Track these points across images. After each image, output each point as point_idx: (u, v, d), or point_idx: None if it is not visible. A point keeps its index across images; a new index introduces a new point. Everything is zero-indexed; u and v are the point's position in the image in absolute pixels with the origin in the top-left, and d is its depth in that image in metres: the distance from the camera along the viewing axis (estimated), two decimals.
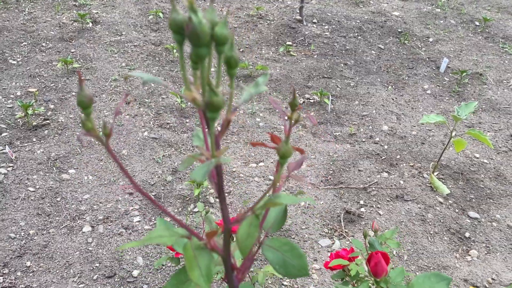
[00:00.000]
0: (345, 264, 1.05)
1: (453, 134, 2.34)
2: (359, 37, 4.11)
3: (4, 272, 1.78)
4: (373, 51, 3.89)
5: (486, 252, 1.99)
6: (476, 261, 1.94)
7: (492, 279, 1.86)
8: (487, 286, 1.84)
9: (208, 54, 0.46)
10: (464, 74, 3.40)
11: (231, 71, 0.50)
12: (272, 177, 2.37)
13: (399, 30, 4.27)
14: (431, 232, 2.07)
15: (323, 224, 2.09)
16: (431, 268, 1.90)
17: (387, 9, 4.76)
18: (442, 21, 4.55)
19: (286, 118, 0.55)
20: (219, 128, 0.53)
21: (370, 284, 0.90)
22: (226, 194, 2.25)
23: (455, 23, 4.51)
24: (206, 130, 0.53)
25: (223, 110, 0.48)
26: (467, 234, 2.08)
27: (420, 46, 4.01)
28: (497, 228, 2.12)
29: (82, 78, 0.75)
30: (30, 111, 2.62)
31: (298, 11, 4.45)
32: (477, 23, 4.50)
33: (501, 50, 4.01)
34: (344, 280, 1.09)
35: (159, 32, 3.99)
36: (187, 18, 0.44)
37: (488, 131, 2.89)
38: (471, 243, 2.05)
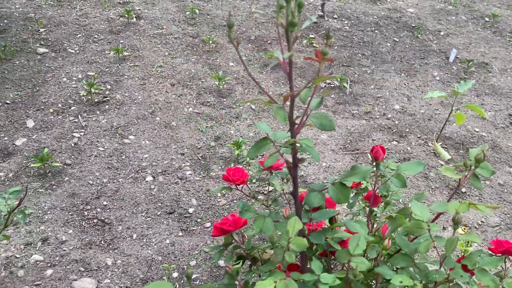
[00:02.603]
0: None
1: (454, 108, 2.73)
2: (376, 31, 4.51)
3: (87, 208, 2.25)
4: (388, 43, 4.29)
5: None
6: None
7: (482, 221, 2.26)
8: (476, 227, 2.24)
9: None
10: (471, 63, 3.78)
11: (299, 10, 0.93)
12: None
13: (413, 25, 4.65)
14: (433, 187, 2.47)
15: None
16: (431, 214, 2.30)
17: (402, 6, 5.14)
18: (453, 17, 4.91)
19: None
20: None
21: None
22: (260, 156, 2.68)
23: (466, 19, 4.87)
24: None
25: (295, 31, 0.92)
26: (463, 190, 2.48)
27: (432, 39, 4.39)
28: (490, 186, 2.51)
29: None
30: (93, 90, 3.11)
31: (320, 8, 4.87)
32: (487, 19, 4.86)
33: (507, 43, 4.37)
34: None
35: (195, 26, 4.46)
36: None
37: (489, 111, 3.27)
38: (467, 196, 2.44)
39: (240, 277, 1.41)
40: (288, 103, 1.02)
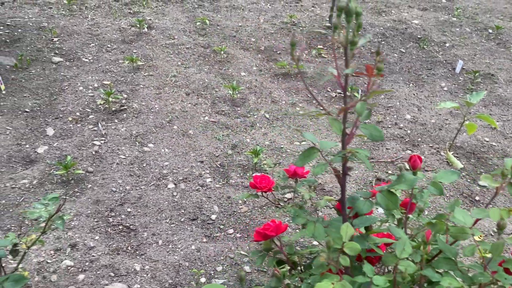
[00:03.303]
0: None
1: (466, 119, 2.81)
2: (383, 42, 4.60)
3: (112, 215, 2.30)
4: (395, 54, 4.38)
5: None
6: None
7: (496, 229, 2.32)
8: (492, 234, 2.30)
9: (351, 20, 0.96)
10: (477, 74, 3.87)
11: (358, 29, 1.00)
12: None
13: (419, 36, 4.75)
14: (447, 195, 2.54)
15: (358, 188, 2.57)
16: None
17: (407, 17, 5.25)
18: (458, 29, 5.02)
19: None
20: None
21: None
22: (277, 164, 2.75)
23: (470, 31, 4.97)
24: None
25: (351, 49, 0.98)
26: (477, 198, 2.55)
27: (437, 50, 4.49)
28: (502, 194, 2.58)
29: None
30: (110, 99, 3.17)
31: (327, 19, 4.97)
32: (490, 31, 4.96)
33: (511, 55, 4.46)
34: None
35: (206, 36, 4.53)
36: (346, 4, 0.95)
37: (498, 121, 3.35)
38: (480, 204, 2.51)
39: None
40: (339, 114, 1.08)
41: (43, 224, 1.60)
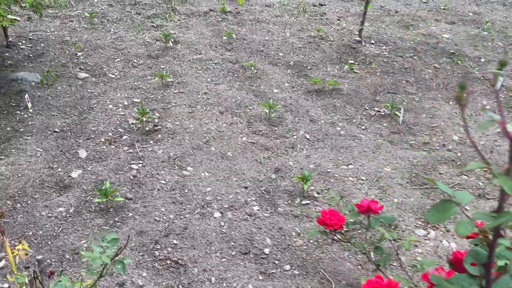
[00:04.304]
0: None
1: None
2: (415, 57, 4.45)
3: (157, 247, 2.13)
4: (429, 70, 4.23)
5: None
6: None
7: None
8: None
9: None
10: None
11: None
12: (363, 178, 2.70)
13: (451, 51, 4.60)
14: None
15: (416, 218, 2.40)
16: None
17: (436, 31, 5.11)
18: (489, 43, 4.87)
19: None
20: None
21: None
22: (325, 190, 2.58)
23: (503, 45, 4.83)
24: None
25: None
26: None
27: (472, 66, 4.33)
28: None
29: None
30: (144, 118, 3.01)
31: (356, 33, 4.83)
32: None
33: None
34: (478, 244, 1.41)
35: (233, 51, 4.39)
36: None
37: None
38: None
39: None
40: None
41: (96, 265, 1.45)
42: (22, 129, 2.96)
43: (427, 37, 4.92)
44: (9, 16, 3.50)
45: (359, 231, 2.23)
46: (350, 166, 2.80)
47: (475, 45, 4.82)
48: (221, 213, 2.35)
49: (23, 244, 1.61)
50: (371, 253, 1.98)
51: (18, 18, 3.82)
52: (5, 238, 1.53)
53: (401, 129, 3.27)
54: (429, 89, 3.89)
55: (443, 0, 6.40)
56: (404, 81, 3.98)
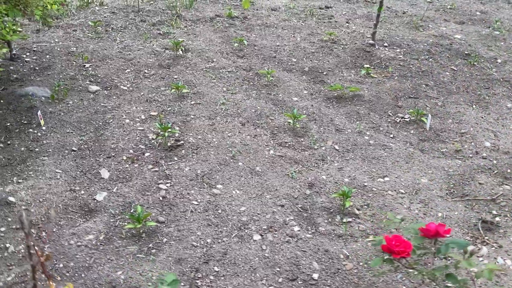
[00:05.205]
0: None
1: None
2: (430, 59, 4.36)
3: (199, 276, 2.00)
4: (447, 73, 4.14)
5: None
6: None
7: None
8: None
9: None
10: None
11: None
12: (402, 191, 2.59)
13: (466, 52, 4.52)
14: None
15: (464, 233, 2.30)
16: None
17: (448, 32, 5.02)
18: (502, 43, 4.80)
19: None
20: None
21: None
22: (366, 206, 2.46)
23: None
24: None
25: None
26: None
27: (490, 67, 4.25)
28: None
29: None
30: (166, 134, 2.87)
31: (368, 36, 4.73)
32: None
33: None
34: None
35: (245, 58, 4.26)
36: None
37: None
38: None
39: None
40: None
41: None
42: (37, 149, 2.80)
43: (439, 38, 4.83)
44: (14, 27, 3.33)
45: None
46: (386, 179, 2.69)
47: (488, 45, 4.75)
48: (261, 235, 2.22)
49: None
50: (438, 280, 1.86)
51: (20, 29, 3.64)
52: (51, 283, 1.39)
53: (429, 136, 3.17)
54: (450, 93, 3.80)
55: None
56: (423, 85, 3.88)
